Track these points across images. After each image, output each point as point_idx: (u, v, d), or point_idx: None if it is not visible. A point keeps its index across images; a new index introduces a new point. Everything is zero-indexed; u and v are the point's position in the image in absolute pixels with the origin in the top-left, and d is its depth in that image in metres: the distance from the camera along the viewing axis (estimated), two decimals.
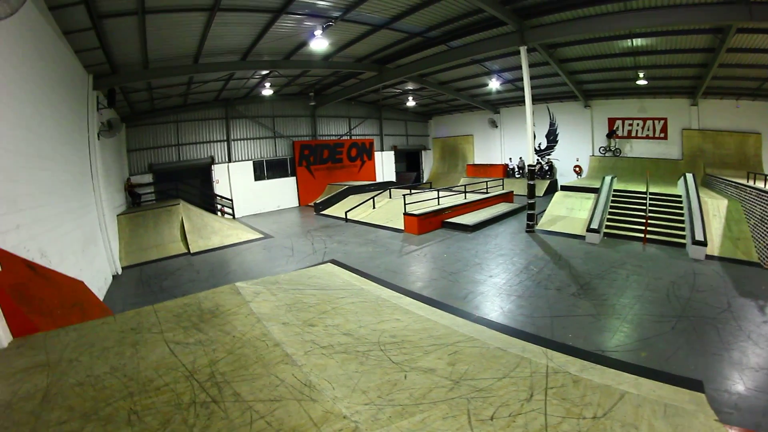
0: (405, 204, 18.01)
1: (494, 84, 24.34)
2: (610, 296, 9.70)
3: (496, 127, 32.83)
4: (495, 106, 32.01)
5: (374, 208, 21.60)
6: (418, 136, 37.83)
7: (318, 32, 14.25)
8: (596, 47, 18.72)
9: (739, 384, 6.02)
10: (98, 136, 13.44)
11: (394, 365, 4.86)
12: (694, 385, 5.78)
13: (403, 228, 17.67)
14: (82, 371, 3.97)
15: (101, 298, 10.37)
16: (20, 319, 4.96)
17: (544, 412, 4.20)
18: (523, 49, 15.84)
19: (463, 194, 21.79)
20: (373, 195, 22.75)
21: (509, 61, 21.02)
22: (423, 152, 38.48)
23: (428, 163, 38.49)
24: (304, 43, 16.05)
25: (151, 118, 22.49)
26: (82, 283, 7.65)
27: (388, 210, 20.45)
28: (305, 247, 15.89)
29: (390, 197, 22.41)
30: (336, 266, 11.92)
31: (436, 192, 20.74)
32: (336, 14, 14.03)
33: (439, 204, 19.14)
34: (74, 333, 4.84)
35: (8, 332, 4.81)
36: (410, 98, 30.02)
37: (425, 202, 19.33)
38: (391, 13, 14.63)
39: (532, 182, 16.63)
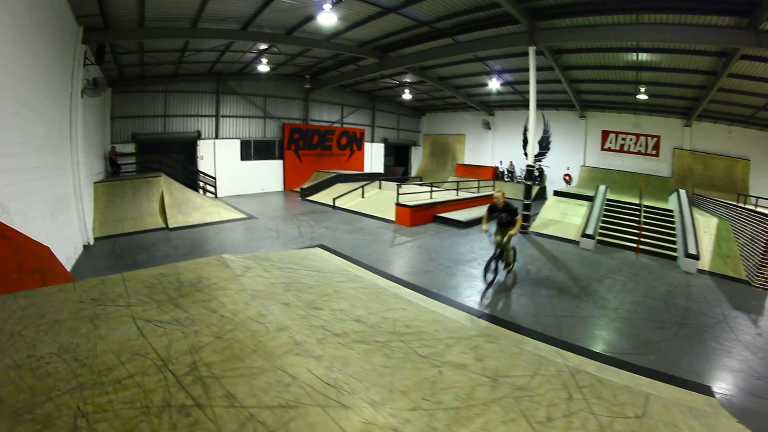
0: (398, 194, 17.29)
1: (494, 84, 23.47)
2: (611, 300, 9.57)
3: (490, 128, 32.06)
4: (490, 107, 31.28)
5: (363, 197, 20.83)
6: (409, 131, 36.85)
7: (327, 6, 13.29)
8: (601, 57, 18.36)
9: (743, 391, 5.99)
10: (82, 94, 12.50)
11: (423, 359, 4.11)
12: (704, 389, 5.81)
13: (393, 219, 17.01)
14: (23, 349, 3.01)
15: (69, 268, 9.41)
16: None
17: (591, 412, 3.82)
18: (531, 50, 15.30)
19: (455, 191, 21.18)
20: (362, 184, 21.97)
21: (512, 62, 20.33)
22: (413, 148, 37.52)
23: (417, 159, 37.63)
24: (309, 18, 15.30)
25: (140, 86, 21.39)
26: (47, 248, 6.69)
27: (378, 200, 19.74)
28: (291, 230, 15.05)
29: (380, 188, 21.72)
30: (326, 251, 11.25)
31: (428, 186, 20.17)
32: None
33: (431, 198, 18.50)
34: (24, 300, 3.90)
35: None
36: (406, 91, 29.05)
37: (417, 195, 18.60)
38: None
39: (529, 182, 16.15)
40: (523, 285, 10.14)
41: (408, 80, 27.24)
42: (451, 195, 20.15)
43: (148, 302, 4.08)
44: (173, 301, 4.19)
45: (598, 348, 6.99)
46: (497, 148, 31.83)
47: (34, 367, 2.79)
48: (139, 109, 21.52)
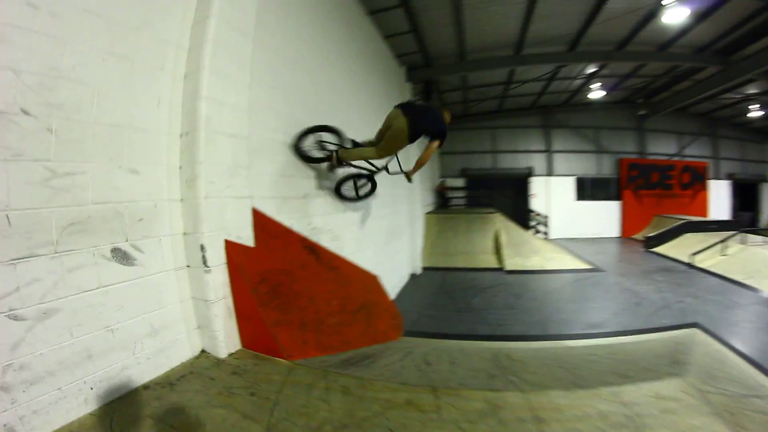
0: None
1: None
2: None
3: None
4: None
5: (723, 254, 14.93)
6: (755, 162, 25.81)
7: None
8: None
9: None
10: None
11: None
12: None
13: None
14: None
15: (393, 296, 9.04)
16: (258, 327, 3.16)
17: None
18: None
19: None
20: (720, 237, 15.73)
21: None
22: (761, 185, 26.22)
23: (767, 201, 26.64)
24: (642, 24, 12.63)
25: (465, 122, 21.75)
26: (375, 277, 6.10)
27: (746, 260, 13.72)
28: (651, 294, 11.07)
29: (742, 243, 15.36)
30: (708, 336, 6.28)
31: None
32: None
33: None
34: (327, 394, 2.63)
35: (236, 338, 3.14)
36: (753, 106, 21.45)
37: None
38: None
39: None
40: None
41: (753, 91, 19.87)
42: None
43: None
44: None
45: None
46: None
47: None
48: (466, 145, 22.01)
